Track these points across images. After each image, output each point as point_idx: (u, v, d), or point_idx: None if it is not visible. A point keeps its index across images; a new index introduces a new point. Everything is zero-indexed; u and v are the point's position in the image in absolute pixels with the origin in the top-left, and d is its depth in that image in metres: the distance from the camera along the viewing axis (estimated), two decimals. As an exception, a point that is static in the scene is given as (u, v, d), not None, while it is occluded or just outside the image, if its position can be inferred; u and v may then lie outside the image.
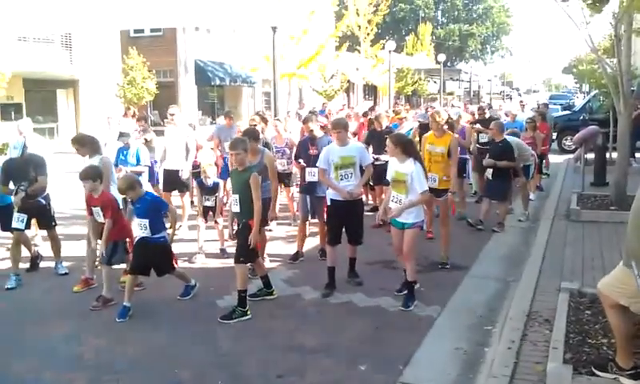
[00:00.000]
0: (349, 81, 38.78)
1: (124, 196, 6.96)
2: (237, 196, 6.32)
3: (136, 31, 29.22)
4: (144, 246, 6.45)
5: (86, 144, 7.57)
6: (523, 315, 5.79)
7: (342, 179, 7.00)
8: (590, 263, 7.57)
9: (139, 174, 8.76)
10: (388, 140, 6.65)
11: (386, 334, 5.80)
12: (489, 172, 10.01)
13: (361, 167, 7.30)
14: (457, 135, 9.80)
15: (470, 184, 12.94)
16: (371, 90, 51.04)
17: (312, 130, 8.42)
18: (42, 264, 8.13)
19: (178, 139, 10.02)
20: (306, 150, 8.32)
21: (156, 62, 27.84)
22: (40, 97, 25.41)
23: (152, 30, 29.73)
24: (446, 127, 8.72)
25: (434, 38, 71.40)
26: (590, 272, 7.13)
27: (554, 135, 20.75)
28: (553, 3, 10.65)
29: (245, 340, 5.64)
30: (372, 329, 5.94)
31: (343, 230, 7.16)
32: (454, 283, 7.24)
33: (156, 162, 10.50)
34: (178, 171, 9.94)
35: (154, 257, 6.47)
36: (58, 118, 26.43)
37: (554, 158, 18.32)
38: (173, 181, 10.03)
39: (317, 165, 7.38)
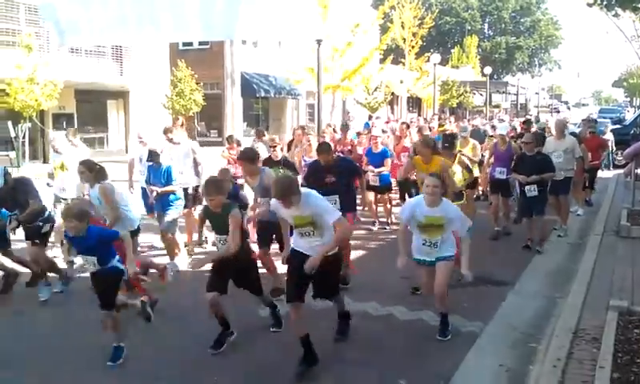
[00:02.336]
0: (393, 93, 38.70)
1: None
2: (224, 236, 5.70)
3: (184, 44, 29.80)
4: (94, 279, 5.61)
5: (93, 170, 7.17)
6: (569, 333, 5.65)
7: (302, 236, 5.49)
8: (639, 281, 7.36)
9: (171, 193, 8.55)
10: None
11: (427, 349, 5.74)
12: (531, 187, 9.26)
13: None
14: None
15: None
16: (415, 103, 50.80)
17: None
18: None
19: (179, 156, 9.72)
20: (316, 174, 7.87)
21: (203, 75, 28.35)
22: (91, 107, 26.11)
23: (200, 43, 30.24)
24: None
25: (480, 50, 70.75)
26: (640, 290, 6.92)
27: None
28: (603, 16, 10.47)
29: (283, 350, 5.64)
30: (413, 343, 5.89)
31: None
32: (498, 299, 7.11)
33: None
34: (186, 189, 9.48)
35: (98, 286, 5.57)
36: (108, 127, 27.12)
37: (603, 173, 17.87)
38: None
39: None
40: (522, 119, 19.28)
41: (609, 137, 20.97)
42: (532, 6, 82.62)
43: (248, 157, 7.14)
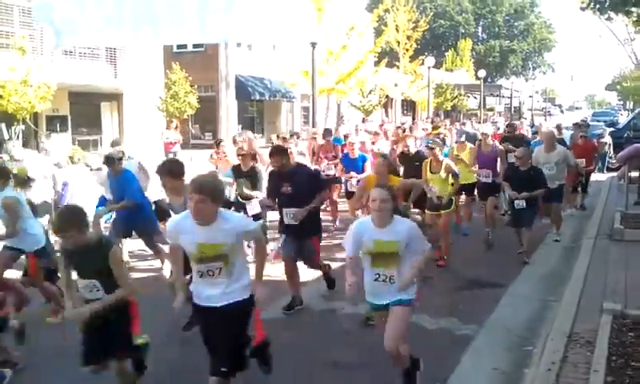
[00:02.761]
0: (387, 96, 38.75)
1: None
2: (94, 282, 4.36)
3: (179, 47, 29.75)
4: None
5: (2, 175, 6.65)
6: (564, 336, 5.67)
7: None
8: (633, 284, 7.37)
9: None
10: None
11: (422, 352, 5.73)
12: (520, 202, 9.06)
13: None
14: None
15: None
16: (410, 106, 50.88)
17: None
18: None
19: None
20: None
21: (198, 77, 28.31)
22: (85, 109, 26.00)
23: (194, 46, 30.22)
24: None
25: (474, 53, 70.91)
26: (634, 293, 6.94)
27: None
28: (596, 20, 10.53)
29: (280, 354, 5.62)
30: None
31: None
32: (493, 302, 7.13)
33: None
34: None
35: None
36: (102, 130, 27.04)
37: (596, 176, 17.91)
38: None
39: None
40: (507, 122, 19.06)
41: (607, 140, 21.06)
42: (526, 10, 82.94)
43: (169, 171, 5.81)
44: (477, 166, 10.52)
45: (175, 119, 21.96)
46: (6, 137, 19.60)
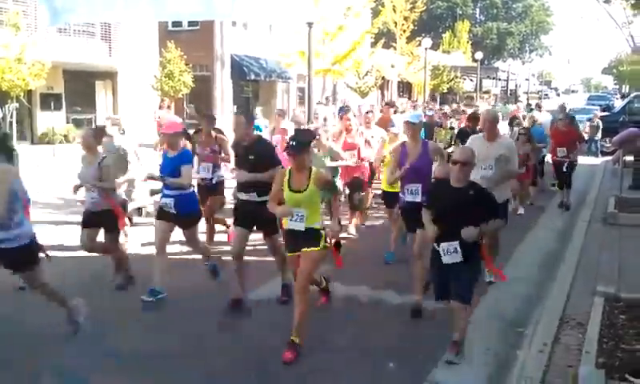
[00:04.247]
0: (383, 78, 38.59)
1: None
2: None
3: (174, 25, 29.50)
4: None
5: None
6: (556, 318, 5.71)
7: None
8: (626, 267, 7.42)
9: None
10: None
11: (416, 333, 5.78)
12: (451, 247, 5.43)
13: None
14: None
15: None
16: (406, 88, 50.73)
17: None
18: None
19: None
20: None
21: (193, 56, 28.10)
22: (79, 88, 25.83)
23: (189, 24, 29.97)
24: None
25: (472, 35, 70.61)
26: (627, 276, 6.99)
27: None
28: (594, 3, 10.48)
29: (276, 336, 5.61)
30: (402, 327, 5.92)
31: None
32: (486, 284, 7.15)
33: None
34: None
35: None
36: (97, 108, 26.89)
37: (591, 160, 18.00)
38: None
39: None
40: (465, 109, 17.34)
41: (597, 123, 21.10)
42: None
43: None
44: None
45: (168, 98, 21.76)
46: (0, 115, 19.47)
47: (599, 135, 21.21)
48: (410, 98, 41.93)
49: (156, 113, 20.12)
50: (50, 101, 23.32)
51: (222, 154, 8.56)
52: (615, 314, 5.64)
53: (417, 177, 6.32)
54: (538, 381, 4.54)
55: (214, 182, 8.56)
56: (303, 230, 5.20)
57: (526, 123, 14.23)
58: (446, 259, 5.00)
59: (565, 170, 11.49)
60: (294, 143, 5.19)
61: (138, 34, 25.10)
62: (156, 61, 26.98)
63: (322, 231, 5.27)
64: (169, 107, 20.21)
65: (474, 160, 5.21)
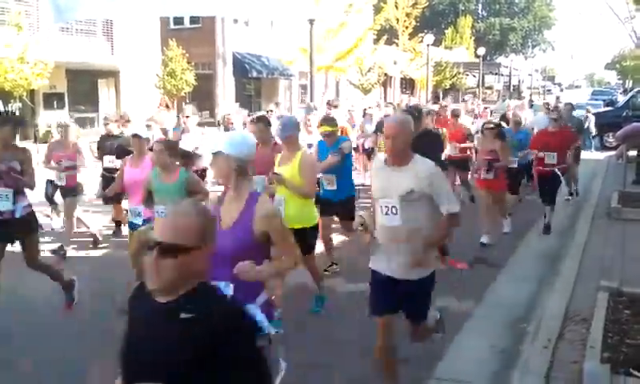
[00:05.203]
0: (386, 74, 38.54)
1: None
2: None
3: (176, 23, 29.56)
4: None
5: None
6: (560, 314, 5.70)
7: None
8: (630, 262, 7.40)
9: None
10: None
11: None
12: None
13: None
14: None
15: None
16: (409, 84, 50.67)
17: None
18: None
19: None
20: None
21: (195, 54, 28.13)
22: (82, 87, 25.88)
23: (191, 22, 30.03)
24: None
25: (474, 31, 70.45)
26: (631, 271, 6.97)
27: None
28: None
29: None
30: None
31: None
32: (490, 280, 7.15)
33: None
34: None
35: None
36: (99, 107, 26.92)
37: (594, 155, 17.93)
38: None
39: None
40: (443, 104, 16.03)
41: (590, 117, 20.76)
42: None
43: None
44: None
45: (166, 97, 21.75)
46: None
47: (593, 131, 20.84)
48: (412, 95, 41.90)
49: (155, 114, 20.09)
50: (52, 100, 23.38)
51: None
52: (619, 308, 5.61)
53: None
54: (543, 376, 4.53)
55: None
56: None
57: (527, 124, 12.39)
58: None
59: (552, 180, 9.23)
60: None
61: (140, 33, 25.11)
62: (158, 59, 27.01)
63: None
64: (167, 106, 20.18)
65: None
